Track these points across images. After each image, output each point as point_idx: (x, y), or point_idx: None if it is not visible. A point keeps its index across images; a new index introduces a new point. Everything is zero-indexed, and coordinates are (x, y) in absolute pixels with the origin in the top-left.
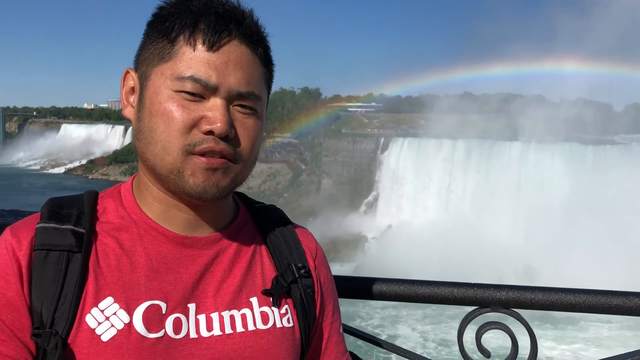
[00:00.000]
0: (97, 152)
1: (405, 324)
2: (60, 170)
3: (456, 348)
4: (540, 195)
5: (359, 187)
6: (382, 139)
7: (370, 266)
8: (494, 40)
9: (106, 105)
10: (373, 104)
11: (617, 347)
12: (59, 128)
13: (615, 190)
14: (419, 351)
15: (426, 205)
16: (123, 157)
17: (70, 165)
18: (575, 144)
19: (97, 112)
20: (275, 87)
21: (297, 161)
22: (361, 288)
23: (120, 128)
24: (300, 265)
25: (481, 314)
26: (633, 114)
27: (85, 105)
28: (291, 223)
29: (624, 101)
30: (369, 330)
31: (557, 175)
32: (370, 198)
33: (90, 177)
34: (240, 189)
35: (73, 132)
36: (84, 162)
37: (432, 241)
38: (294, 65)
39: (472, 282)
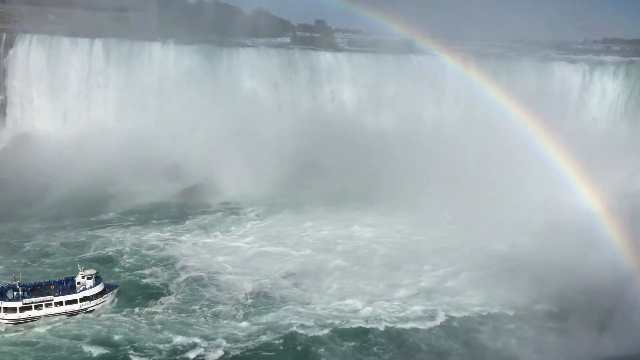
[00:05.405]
0: None
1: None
2: None
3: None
4: (180, 94)
5: None
6: (5, 35)
7: (6, 182)
8: None
9: None
10: None
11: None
12: None
13: (250, 86)
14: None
15: (65, 111)
16: None
17: None
18: (212, 46)
19: None
20: None
21: None
22: None
23: None
24: None
25: None
26: (258, 18)
27: None
28: None
29: (250, 5)
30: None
31: (197, 75)
32: None
33: None
34: None
35: None
36: None
37: (78, 150)
38: None
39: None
